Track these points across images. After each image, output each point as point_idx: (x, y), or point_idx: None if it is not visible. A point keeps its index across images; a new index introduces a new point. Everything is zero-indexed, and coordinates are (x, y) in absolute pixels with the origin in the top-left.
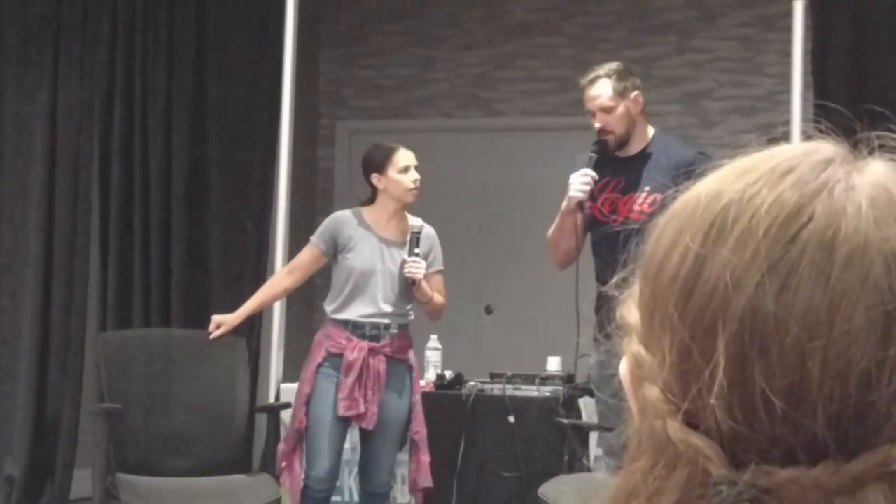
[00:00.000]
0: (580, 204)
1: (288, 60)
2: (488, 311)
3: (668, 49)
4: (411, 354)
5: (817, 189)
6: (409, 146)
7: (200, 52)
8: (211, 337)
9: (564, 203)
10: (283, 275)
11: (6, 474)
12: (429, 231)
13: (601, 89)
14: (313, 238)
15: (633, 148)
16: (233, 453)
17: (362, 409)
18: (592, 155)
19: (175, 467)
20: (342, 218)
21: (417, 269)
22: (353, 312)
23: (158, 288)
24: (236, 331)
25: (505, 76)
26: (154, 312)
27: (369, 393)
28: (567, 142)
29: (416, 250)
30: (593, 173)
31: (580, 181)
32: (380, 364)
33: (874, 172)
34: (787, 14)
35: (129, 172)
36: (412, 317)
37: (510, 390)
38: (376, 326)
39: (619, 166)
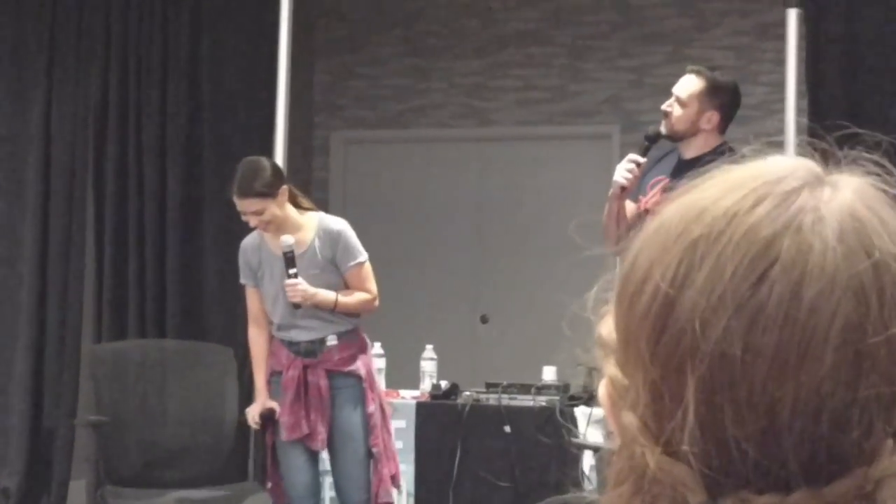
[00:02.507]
0: (624, 189)
1: (282, 70)
2: (484, 320)
3: (662, 58)
4: (359, 364)
5: (786, 223)
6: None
7: (195, 62)
8: (253, 425)
9: (611, 189)
10: (256, 331)
11: (2, 486)
12: (329, 229)
13: (687, 82)
14: (241, 279)
15: (690, 153)
16: (226, 464)
17: (305, 431)
18: (645, 143)
19: (169, 479)
20: (246, 246)
21: (294, 292)
22: (285, 334)
23: (153, 299)
24: (225, 341)
25: (499, 85)
26: (149, 324)
27: (312, 413)
28: (562, 151)
29: (291, 271)
30: (639, 158)
31: (624, 166)
32: (320, 380)
33: (844, 199)
34: (782, 23)
35: (124, 184)
36: (355, 322)
37: (506, 400)
38: (311, 342)
39: (675, 166)
